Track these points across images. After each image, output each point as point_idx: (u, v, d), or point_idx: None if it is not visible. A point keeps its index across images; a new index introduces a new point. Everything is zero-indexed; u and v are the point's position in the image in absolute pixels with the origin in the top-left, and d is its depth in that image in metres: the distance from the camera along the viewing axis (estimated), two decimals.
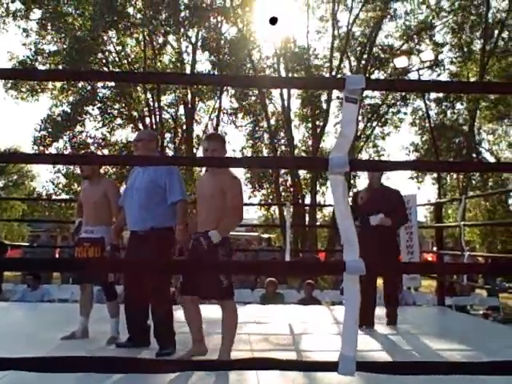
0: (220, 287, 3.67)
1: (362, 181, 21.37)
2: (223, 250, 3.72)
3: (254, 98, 20.67)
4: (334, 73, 19.60)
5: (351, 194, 6.41)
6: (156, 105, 19.83)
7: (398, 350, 4.59)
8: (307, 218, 19.35)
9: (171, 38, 19.95)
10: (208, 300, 3.96)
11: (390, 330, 5.50)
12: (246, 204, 19.02)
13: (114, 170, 18.67)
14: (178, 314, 4.14)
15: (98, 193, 4.72)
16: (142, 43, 19.74)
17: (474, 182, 22.13)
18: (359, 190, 6.21)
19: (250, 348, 4.39)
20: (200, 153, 17.66)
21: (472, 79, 20.14)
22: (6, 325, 5.36)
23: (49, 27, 18.66)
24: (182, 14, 18.59)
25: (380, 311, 5.82)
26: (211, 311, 4.17)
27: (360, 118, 20.13)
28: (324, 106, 20.31)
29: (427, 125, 20.86)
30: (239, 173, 21.26)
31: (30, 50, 19.02)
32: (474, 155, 21.02)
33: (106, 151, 19.56)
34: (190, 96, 20.13)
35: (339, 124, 15.87)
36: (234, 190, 3.77)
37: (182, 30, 19.00)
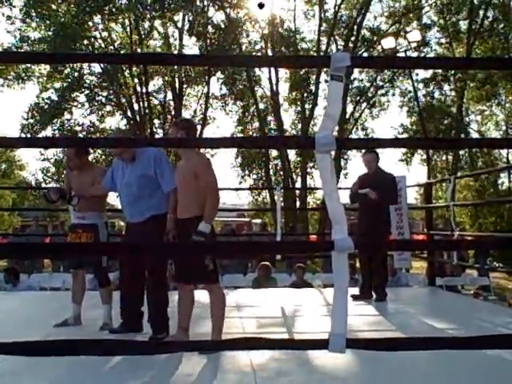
0: (206, 271, 3.67)
1: (352, 163, 21.53)
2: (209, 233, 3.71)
3: (242, 83, 20.58)
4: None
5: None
6: (144, 90, 19.70)
7: (389, 328, 4.63)
8: (298, 202, 19.39)
9: (157, 22, 19.76)
10: (195, 285, 3.95)
11: (380, 309, 5.55)
12: (236, 189, 19.16)
13: (104, 157, 18.58)
14: (172, 299, 4.16)
15: (88, 181, 4.70)
16: (128, 29, 19.53)
17: (462, 162, 22.22)
18: (360, 175, 6.53)
19: (243, 331, 4.41)
20: None
21: None
22: None
23: (33, 14, 18.40)
24: None
25: None
26: (206, 296, 4.16)
27: (348, 100, 20.12)
28: (313, 89, 20.26)
29: (416, 106, 20.91)
30: (229, 158, 21.26)
31: (15, 37, 18.81)
32: (463, 136, 21.06)
33: None
34: (177, 81, 20.00)
35: None
36: (206, 172, 3.77)
37: (169, 14, 18.79)
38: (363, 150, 6.54)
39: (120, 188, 4.37)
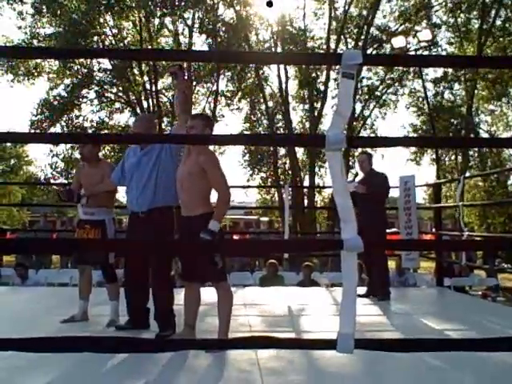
0: (215, 269, 3.64)
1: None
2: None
3: (251, 81, 20.54)
4: None
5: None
6: (153, 88, 19.70)
7: (396, 328, 4.61)
8: (306, 201, 19.35)
9: (167, 20, 19.75)
10: (203, 284, 3.93)
11: (387, 310, 5.53)
12: (244, 186, 19.15)
13: (113, 153, 18.60)
14: (179, 296, 4.15)
15: (97, 176, 4.71)
16: (138, 26, 19.54)
17: (472, 163, 22.07)
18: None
19: (249, 329, 4.40)
20: None
21: None
22: (6, 309, 5.38)
23: (44, 10, 18.46)
24: None
25: None
26: (212, 294, 4.16)
27: (357, 98, 20.03)
28: (322, 87, 20.20)
29: (426, 106, 20.82)
30: (237, 156, 21.16)
31: (26, 33, 18.86)
32: (472, 136, 20.91)
33: None
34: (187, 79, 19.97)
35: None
36: (214, 168, 3.73)
37: (179, 12, 18.79)
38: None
39: (132, 171, 4.30)
